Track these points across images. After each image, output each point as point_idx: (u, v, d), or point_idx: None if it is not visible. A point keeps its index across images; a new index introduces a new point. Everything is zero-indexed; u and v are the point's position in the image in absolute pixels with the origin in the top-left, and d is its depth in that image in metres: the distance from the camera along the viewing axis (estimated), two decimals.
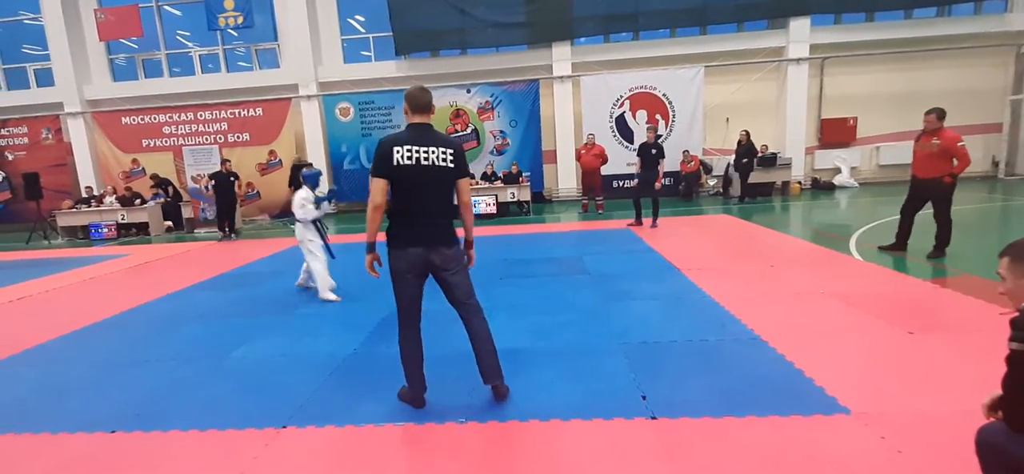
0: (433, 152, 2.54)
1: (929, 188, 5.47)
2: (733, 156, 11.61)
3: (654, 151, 8.15)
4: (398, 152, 2.51)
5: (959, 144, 5.25)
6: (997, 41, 12.41)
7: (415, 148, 2.52)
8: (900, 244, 5.77)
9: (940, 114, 5.36)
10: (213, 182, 10.06)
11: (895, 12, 12.58)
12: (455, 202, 2.68)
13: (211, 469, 2.39)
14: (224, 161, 10.56)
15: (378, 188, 2.52)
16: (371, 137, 13.22)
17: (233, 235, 10.23)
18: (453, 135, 12.93)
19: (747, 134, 11.14)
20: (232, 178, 10.17)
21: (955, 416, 2.36)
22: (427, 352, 2.78)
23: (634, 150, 12.76)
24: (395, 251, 2.61)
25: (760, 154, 11.99)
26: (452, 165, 2.58)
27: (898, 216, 5.82)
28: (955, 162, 5.32)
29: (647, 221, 8.45)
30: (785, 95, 12.80)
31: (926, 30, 12.49)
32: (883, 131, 13.05)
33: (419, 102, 2.60)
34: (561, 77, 13.05)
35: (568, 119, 13.15)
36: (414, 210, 2.58)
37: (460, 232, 2.77)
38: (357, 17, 14.01)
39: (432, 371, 3.37)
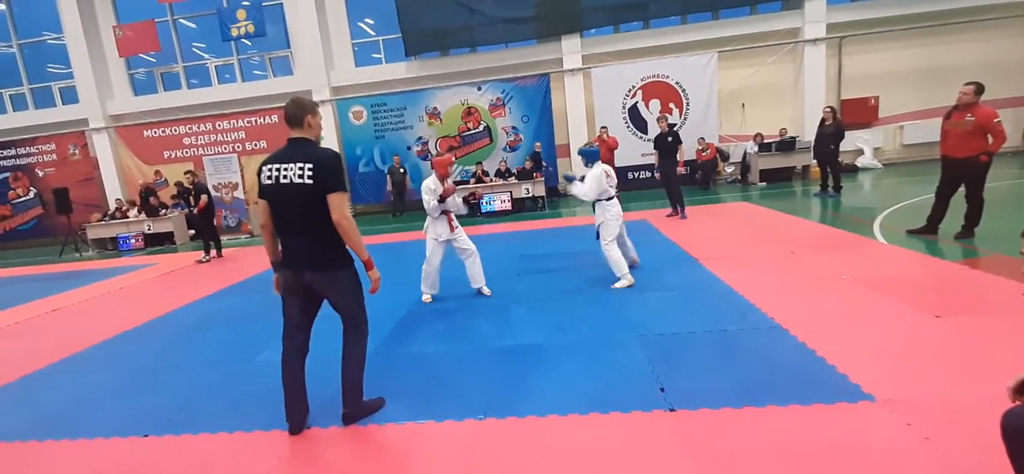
0: (291, 169, 2.42)
1: (963, 168, 5.24)
2: (813, 140, 9.44)
3: (670, 139, 8.03)
4: (263, 172, 2.51)
5: (995, 120, 5.03)
6: (1023, 12, 11.92)
7: (276, 166, 2.46)
8: (931, 227, 5.56)
9: (979, 88, 5.12)
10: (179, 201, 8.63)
11: None
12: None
13: (238, 471, 2.46)
14: (188, 172, 8.97)
15: (260, 208, 2.57)
16: (384, 139, 13.34)
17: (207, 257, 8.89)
18: (465, 133, 13.09)
19: (833, 112, 9.02)
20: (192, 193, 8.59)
21: (983, 401, 2.29)
22: (440, 351, 2.78)
23: (649, 140, 12.69)
24: (280, 270, 2.62)
25: (781, 137, 11.75)
26: (310, 181, 2.40)
27: (923, 196, 5.65)
28: (990, 139, 5.09)
29: (667, 210, 8.36)
30: (802, 77, 12.50)
31: (948, 3, 12.05)
32: (906, 109, 12.66)
33: (289, 116, 2.52)
34: (571, 70, 12.96)
35: (580, 112, 13.07)
36: (281, 230, 2.56)
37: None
38: (367, 20, 14.12)
39: (448, 368, 3.39)
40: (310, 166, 2.41)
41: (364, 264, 2.59)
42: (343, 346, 2.70)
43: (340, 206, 2.45)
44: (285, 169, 2.44)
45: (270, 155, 2.54)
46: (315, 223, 2.46)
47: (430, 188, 4.65)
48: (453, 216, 4.83)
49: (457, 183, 4.90)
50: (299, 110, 2.51)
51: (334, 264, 2.55)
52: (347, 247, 2.56)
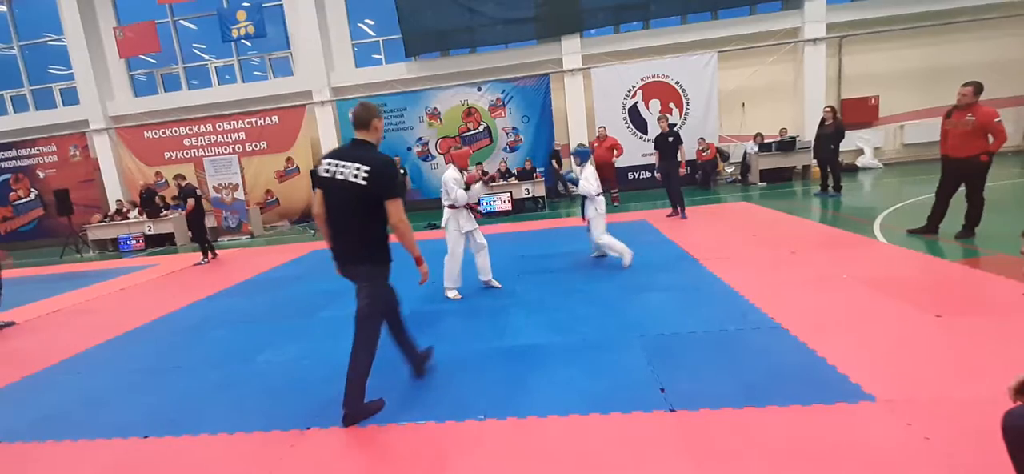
0: (347, 167, 2.57)
1: (963, 168, 5.25)
2: (813, 140, 9.44)
3: (671, 140, 8.04)
4: (322, 165, 2.68)
5: (996, 120, 5.04)
6: (1023, 12, 11.90)
7: (335, 162, 2.62)
8: (931, 227, 5.57)
9: (978, 88, 5.13)
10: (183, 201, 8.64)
11: None
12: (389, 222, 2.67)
13: (238, 471, 2.47)
14: (176, 176, 8.99)
15: (314, 199, 2.77)
16: (385, 139, 13.27)
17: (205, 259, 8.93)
18: (465, 133, 13.10)
19: (833, 111, 8.95)
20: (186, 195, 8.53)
21: (984, 401, 2.30)
22: (440, 351, 2.79)
23: (649, 140, 12.69)
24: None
25: (782, 137, 11.75)
26: (364, 183, 2.54)
27: (924, 196, 5.65)
28: (991, 139, 5.09)
29: (667, 211, 8.37)
30: (802, 77, 12.50)
31: (948, 2, 12.04)
32: (907, 109, 12.66)
33: (356, 118, 2.71)
34: (572, 70, 12.96)
35: (580, 112, 13.07)
36: (328, 222, 2.73)
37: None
38: (367, 21, 14.13)
39: (448, 368, 3.40)
40: (367, 169, 2.56)
41: (415, 260, 2.77)
42: (353, 345, 2.78)
43: (397, 211, 2.63)
44: (343, 166, 2.60)
45: (332, 150, 2.73)
46: (359, 220, 2.63)
47: (455, 177, 4.76)
48: (475, 206, 5.05)
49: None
50: (366, 113, 2.70)
51: (365, 258, 2.72)
52: (384, 250, 2.73)
